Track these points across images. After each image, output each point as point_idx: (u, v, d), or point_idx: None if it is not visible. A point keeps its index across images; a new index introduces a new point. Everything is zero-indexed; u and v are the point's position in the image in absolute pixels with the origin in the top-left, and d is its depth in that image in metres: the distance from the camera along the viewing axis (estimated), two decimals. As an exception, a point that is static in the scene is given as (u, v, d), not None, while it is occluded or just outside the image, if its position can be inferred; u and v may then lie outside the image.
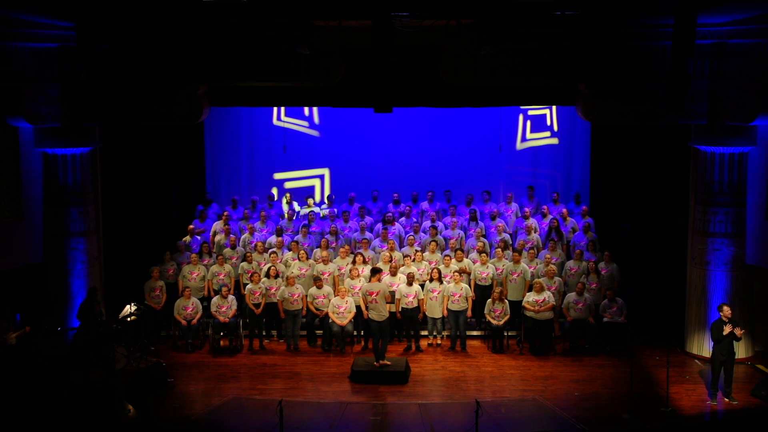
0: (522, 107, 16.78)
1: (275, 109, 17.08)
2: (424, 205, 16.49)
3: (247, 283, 14.24)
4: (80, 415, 11.25)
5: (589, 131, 16.25)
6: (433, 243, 14.87)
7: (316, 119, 17.29)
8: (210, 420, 11.44)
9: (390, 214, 15.88)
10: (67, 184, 13.82)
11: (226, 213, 15.92)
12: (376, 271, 13.52)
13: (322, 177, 17.44)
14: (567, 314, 13.85)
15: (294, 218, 16.04)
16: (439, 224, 15.64)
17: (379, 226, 15.69)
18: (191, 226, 15.66)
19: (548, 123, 17.10)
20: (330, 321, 13.78)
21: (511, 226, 15.92)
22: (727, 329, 11.63)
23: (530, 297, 13.77)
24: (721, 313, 11.86)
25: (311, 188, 17.38)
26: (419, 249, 14.83)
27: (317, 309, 13.98)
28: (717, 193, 13.30)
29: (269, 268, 14.15)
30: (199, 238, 15.54)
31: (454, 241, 15.23)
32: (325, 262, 14.45)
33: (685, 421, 11.29)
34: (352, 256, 14.65)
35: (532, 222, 15.56)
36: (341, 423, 11.24)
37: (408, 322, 14.03)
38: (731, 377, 11.90)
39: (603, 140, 15.86)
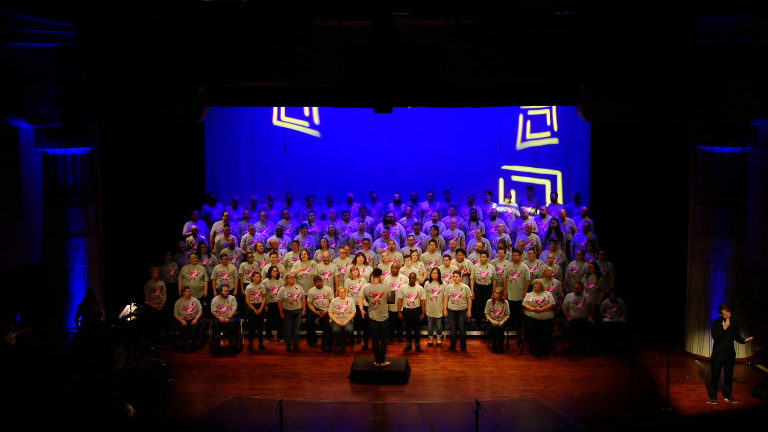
0: (522, 107, 16.77)
1: (275, 109, 17.08)
2: (424, 205, 16.49)
3: (248, 283, 14.24)
4: (80, 415, 11.25)
5: (589, 131, 16.23)
6: (432, 243, 14.87)
7: (316, 119, 17.28)
8: (210, 420, 11.44)
9: (391, 214, 15.88)
10: (67, 184, 13.82)
11: (226, 213, 15.91)
12: (378, 272, 13.52)
13: (326, 176, 17.38)
14: (567, 314, 13.85)
15: (291, 218, 16.06)
16: (440, 224, 15.64)
17: (380, 226, 15.69)
18: (194, 226, 15.66)
19: (548, 123, 17.08)
20: (330, 321, 13.78)
21: (510, 227, 15.91)
22: (725, 324, 11.66)
23: (530, 297, 13.77)
24: (721, 314, 11.89)
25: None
26: (418, 249, 14.83)
27: (317, 309, 13.98)
28: (717, 193, 13.29)
29: (271, 269, 14.15)
30: (201, 237, 15.55)
31: (454, 242, 15.23)
32: (326, 262, 14.45)
33: (685, 421, 11.30)
34: (353, 256, 14.66)
35: (531, 222, 15.56)
36: (341, 423, 11.24)
37: (409, 323, 14.03)
38: (731, 377, 11.91)
39: (603, 140, 15.85)
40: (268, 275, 14.13)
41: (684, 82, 12.36)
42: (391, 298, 13.67)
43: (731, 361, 11.88)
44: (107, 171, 14.97)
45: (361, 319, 13.96)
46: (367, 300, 13.42)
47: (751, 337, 12.47)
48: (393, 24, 10.70)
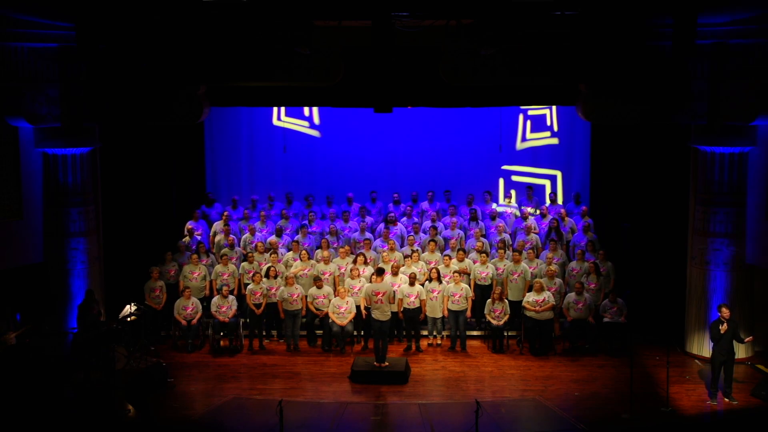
0: (522, 107, 16.77)
1: (275, 109, 17.08)
2: (424, 205, 16.49)
3: (249, 283, 14.24)
4: (80, 415, 11.25)
5: (589, 131, 16.23)
6: (432, 243, 14.87)
7: (316, 119, 17.28)
8: (210, 420, 11.44)
9: (392, 214, 15.88)
10: (67, 184, 13.82)
11: (226, 213, 15.91)
12: (381, 271, 13.53)
13: (326, 176, 17.37)
14: (567, 314, 13.85)
15: (291, 218, 16.05)
16: (439, 224, 15.64)
17: (381, 226, 15.68)
18: (189, 226, 15.67)
19: (548, 123, 17.09)
20: (330, 321, 13.78)
21: (510, 226, 15.91)
22: (723, 328, 11.68)
23: (530, 297, 13.77)
24: (719, 314, 11.90)
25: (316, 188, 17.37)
26: (418, 249, 14.83)
27: (317, 309, 13.97)
28: (717, 193, 13.29)
29: (269, 269, 14.14)
30: (198, 237, 15.54)
31: (454, 242, 15.22)
32: (326, 262, 14.45)
33: (685, 421, 11.30)
34: (353, 256, 14.66)
35: (531, 222, 15.56)
36: (341, 423, 11.24)
37: (409, 323, 14.03)
38: (731, 377, 11.91)
39: (603, 140, 15.86)
40: (266, 275, 14.12)
41: (683, 82, 12.36)
42: (391, 299, 13.67)
43: (731, 361, 11.87)
44: (107, 171, 14.98)
45: (361, 319, 13.97)
46: (370, 299, 13.40)
47: (750, 337, 12.48)
48: (393, 24, 10.70)
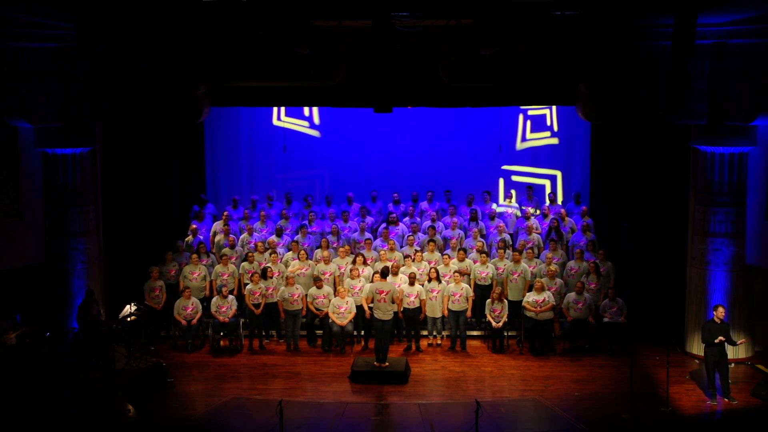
0: (522, 107, 16.78)
1: (275, 109, 17.09)
2: (424, 205, 16.49)
3: (248, 283, 14.24)
4: (80, 415, 11.26)
5: (589, 131, 16.23)
6: (432, 243, 14.87)
7: (316, 119, 17.28)
8: (210, 420, 11.44)
9: (394, 215, 15.87)
10: (67, 184, 13.83)
11: (226, 213, 15.90)
12: (386, 271, 13.53)
13: (326, 176, 17.39)
14: (567, 314, 13.85)
15: (291, 218, 16.05)
16: (439, 224, 15.64)
17: (383, 226, 15.67)
18: (194, 226, 15.66)
19: (548, 123, 17.09)
20: (330, 321, 13.78)
21: (511, 227, 15.91)
22: (718, 340, 11.67)
23: (530, 297, 13.76)
24: (715, 313, 11.91)
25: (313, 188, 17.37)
26: (419, 249, 14.83)
27: (317, 309, 13.97)
28: (717, 193, 13.30)
29: (265, 269, 14.13)
30: (200, 237, 15.54)
31: (455, 241, 15.21)
32: (326, 262, 14.45)
33: (685, 421, 11.30)
34: (352, 256, 14.66)
35: (533, 222, 15.55)
36: (341, 423, 11.24)
37: (409, 323, 14.03)
38: (726, 377, 11.90)
39: (603, 140, 15.85)
40: (263, 275, 14.10)
41: (683, 82, 12.36)
42: (395, 299, 13.65)
43: (724, 362, 11.87)
44: (107, 171, 14.98)
45: (362, 319, 13.97)
46: (372, 298, 13.37)
47: (743, 340, 12.49)
48: (393, 24, 10.70)
